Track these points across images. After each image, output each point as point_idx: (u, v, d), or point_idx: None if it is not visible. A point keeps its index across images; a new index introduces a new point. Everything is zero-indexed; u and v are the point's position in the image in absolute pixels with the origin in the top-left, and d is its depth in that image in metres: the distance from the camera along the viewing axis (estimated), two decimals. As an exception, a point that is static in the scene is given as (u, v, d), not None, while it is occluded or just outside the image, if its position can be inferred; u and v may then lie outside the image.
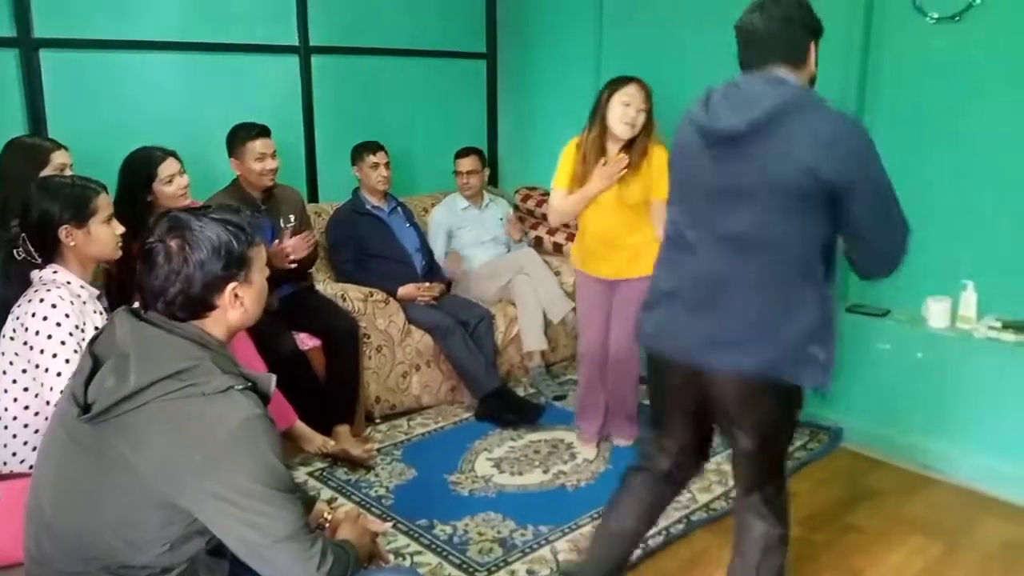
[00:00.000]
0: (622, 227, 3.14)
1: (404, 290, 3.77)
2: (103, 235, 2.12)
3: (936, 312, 3.24)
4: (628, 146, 3.07)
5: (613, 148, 3.09)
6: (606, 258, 3.21)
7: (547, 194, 4.69)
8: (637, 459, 2.23)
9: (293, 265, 3.32)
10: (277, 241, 3.30)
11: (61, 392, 1.50)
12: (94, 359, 1.42)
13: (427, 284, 3.86)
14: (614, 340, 3.26)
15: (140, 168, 2.89)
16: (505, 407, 3.68)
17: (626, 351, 3.23)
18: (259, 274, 1.53)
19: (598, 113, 3.08)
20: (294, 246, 3.31)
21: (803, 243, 1.84)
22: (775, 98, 1.80)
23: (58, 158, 2.64)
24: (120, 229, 2.16)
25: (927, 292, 3.29)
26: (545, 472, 3.22)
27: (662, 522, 2.83)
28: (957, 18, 3.15)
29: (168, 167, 2.89)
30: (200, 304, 1.45)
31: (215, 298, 1.46)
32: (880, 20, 3.37)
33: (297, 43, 4.05)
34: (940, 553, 2.69)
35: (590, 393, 3.40)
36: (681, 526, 2.82)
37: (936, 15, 3.20)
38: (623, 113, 3.01)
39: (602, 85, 4.44)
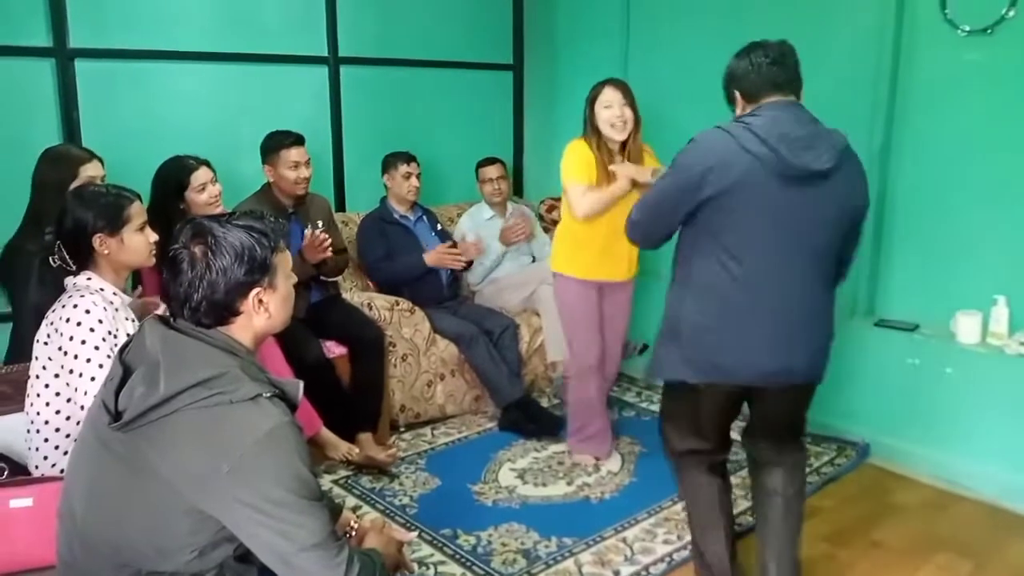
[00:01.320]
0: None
1: (431, 256, 3.84)
2: (137, 243, 2.14)
3: (966, 327, 3.20)
4: (623, 147, 3.12)
5: (614, 152, 3.13)
6: (610, 260, 3.17)
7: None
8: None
9: (328, 254, 3.33)
10: (309, 232, 3.31)
11: (94, 398, 1.52)
12: (124, 367, 1.44)
13: (453, 248, 3.94)
14: (611, 348, 3.25)
15: (172, 176, 2.93)
16: (528, 417, 3.68)
17: (619, 358, 3.28)
18: (284, 280, 1.54)
19: (589, 124, 3.12)
20: (314, 236, 3.30)
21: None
22: (838, 140, 2.08)
23: (88, 170, 2.68)
24: (154, 237, 2.19)
25: (957, 307, 3.25)
26: (569, 484, 3.21)
27: (688, 536, 2.82)
28: (989, 31, 3.12)
29: (201, 175, 2.93)
30: (225, 310, 1.47)
31: (239, 304, 1.47)
32: (910, 33, 3.35)
33: (326, 54, 4.09)
34: (967, 572, 2.65)
35: (594, 413, 3.32)
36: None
37: (968, 28, 3.17)
38: (608, 116, 3.05)
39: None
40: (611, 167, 3.09)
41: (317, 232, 3.29)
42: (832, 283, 2.20)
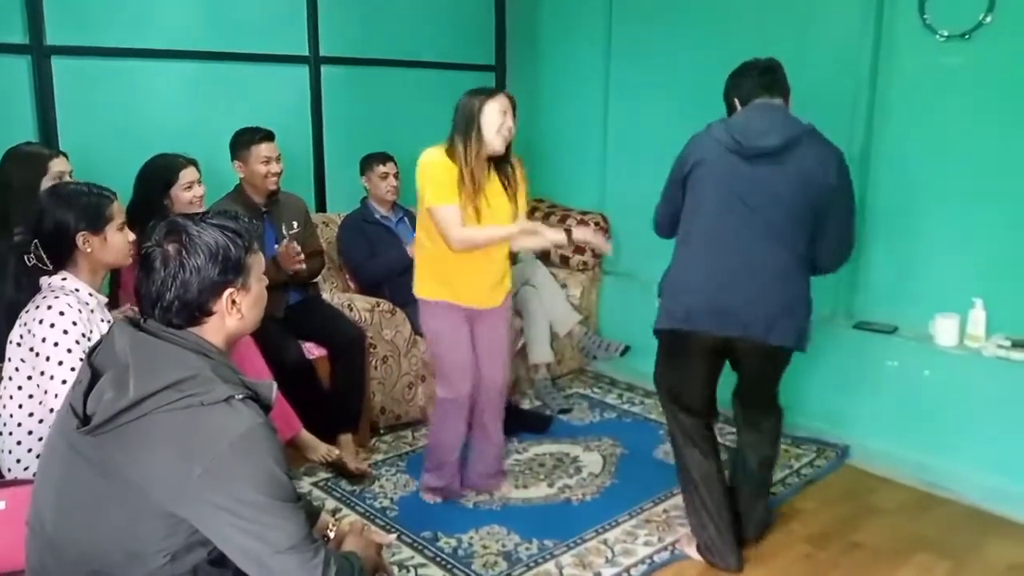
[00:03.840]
0: (503, 248, 2.91)
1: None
2: (118, 242, 2.12)
3: (944, 330, 3.23)
4: (498, 160, 2.81)
5: (486, 166, 2.79)
6: (483, 284, 2.88)
7: (555, 206, 4.71)
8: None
9: (302, 266, 3.32)
10: (285, 242, 3.29)
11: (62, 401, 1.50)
12: (93, 370, 1.42)
13: None
14: (491, 375, 2.99)
15: (160, 172, 2.94)
16: (509, 418, 3.68)
17: (502, 385, 3.05)
18: (257, 281, 1.53)
19: (473, 124, 2.72)
20: (290, 249, 3.27)
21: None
22: (795, 126, 2.47)
23: (56, 165, 2.64)
24: (132, 236, 2.17)
25: (935, 309, 3.27)
26: (550, 486, 3.20)
27: (669, 537, 2.82)
28: (967, 36, 3.15)
29: (188, 174, 2.94)
30: (197, 310, 1.44)
31: (212, 304, 1.45)
32: (890, 38, 3.37)
33: (307, 53, 4.06)
34: (946, 573, 2.66)
35: (453, 451, 3.04)
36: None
37: (946, 33, 3.20)
38: (501, 123, 2.73)
39: (605, 98, 4.50)
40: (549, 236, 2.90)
41: (290, 244, 3.26)
42: (800, 258, 2.49)
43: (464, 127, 2.73)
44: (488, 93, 2.77)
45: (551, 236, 2.89)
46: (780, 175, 2.43)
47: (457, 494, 3.09)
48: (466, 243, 2.74)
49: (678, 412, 2.70)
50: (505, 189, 2.84)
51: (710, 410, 2.73)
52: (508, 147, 2.80)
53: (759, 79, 2.58)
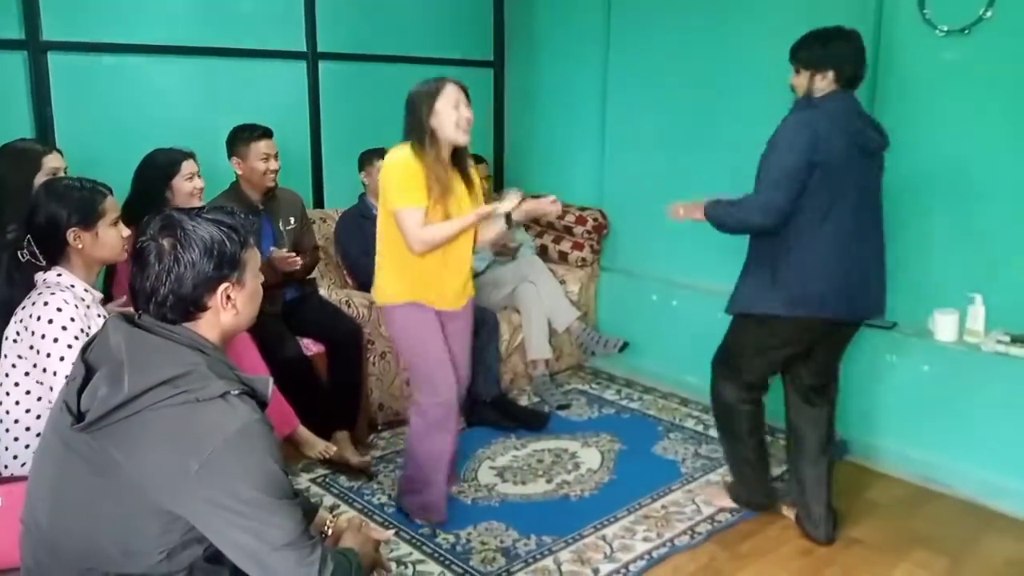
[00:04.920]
0: (468, 248, 2.78)
1: None
2: (110, 238, 2.11)
3: (943, 325, 3.22)
4: (455, 155, 2.68)
5: (447, 161, 2.66)
6: (452, 286, 2.76)
7: (554, 203, 4.69)
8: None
9: (298, 265, 3.31)
10: (275, 250, 3.29)
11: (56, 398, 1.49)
12: (87, 367, 1.41)
13: None
14: (464, 376, 2.89)
15: (161, 165, 2.95)
16: (506, 416, 3.70)
17: (462, 388, 2.89)
18: (252, 277, 1.52)
19: (425, 129, 2.56)
20: (281, 255, 3.27)
21: None
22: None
23: (50, 161, 2.64)
24: (126, 232, 2.16)
25: (934, 305, 3.27)
26: (549, 482, 3.20)
27: (667, 533, 2.83)
28: (967, 31, 3.14)
29: (189, 165, 2.97)
30: (191, 304, 1.43)
31: (206, 299, 1.44)
32: (889, 33, 3.36)
33: (305, 49, 4.05)
34: (944, 568, 2.67)
35: (442, 468, 2.84)
36: (686, 538, 2.81)
37: (946, 28, 3.19)
38: (457, 117, 2.56)
39: (603, 93, 4.48)
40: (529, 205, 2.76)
41: (287, 254, 3.26)
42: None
43: (418, 134, 2.58)
44: (434, 90, 2.56)
45: (503, 208, 2.72)
46: (876, 168, 2.72)
47: (441, 514, 2.89)
48: (428, 244, 2.61)
49: (743, 381, 2.83)
50: (468, 188, 2.73)
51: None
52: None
53: (857, 68, 2.64)
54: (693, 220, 2.84)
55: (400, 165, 2.60)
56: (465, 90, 2.61)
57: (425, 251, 2.63)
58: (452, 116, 2.55)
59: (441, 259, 2.69)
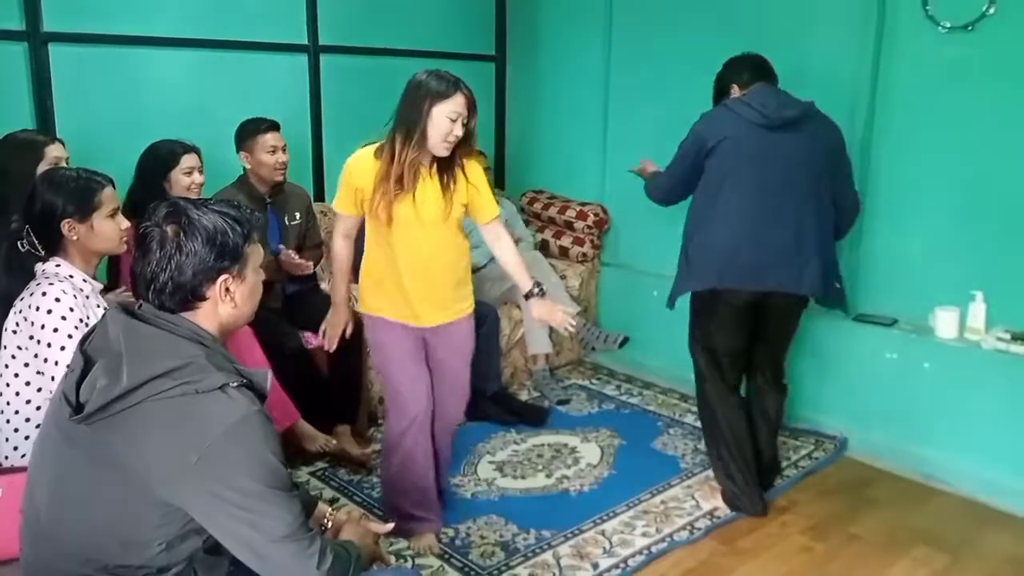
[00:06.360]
0: (445, 263, 2.55)
1: None
2: (106, 230, 2.10)
3: (944, 322, 3.22)
4: (441, 162, 2.46)
5: (423, 169, 2.44)
6: (429, 302, 2.53)
7: (554, 197, 4.70)
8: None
9: (309, 271, 3.31)
10: (285, 251, 3.29)
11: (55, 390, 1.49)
12: (86, 358, 1.40)
13: None
14: (452, 402, 2.70)
15: (161, 156, 2.95)
16: (506, 411, 3.69)
17: (459, 412, 2.77)
18: (253, 273, 1.51)
19: (417, 127, 2.35)
20: (291, 258, 3.28)
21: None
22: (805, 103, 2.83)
23: (52, 152, 2.64)
24: (125, 224, 2.15)
25: (935, 302, 3.26)
26: (548, 476, 3.20)
27: (666, 528, 2.83)
28: (970, 28, 3.13)
29: (189, 160, 2.96)
30: (189, 293, 1.43)
31: (205, 289, 1.44)
32: (892, 29, 3.35)
33: (306, 42, 4.04)
34: (943, 565, 2.66)
35: (428, 484, 2.68)
36: (686, 533, 2.81)
37: (948, 24, 3.18)
38: (448, 130, 2.35)
39: (605, 88, 4.47)
40: None
41: (298, 261, 3.28)
42: (826, 214, 2.83)
43: (406, 127, 2.36)
44: (443, 93, 2.34)
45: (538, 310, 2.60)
46: (804, 140, 2.76)
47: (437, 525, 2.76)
48: (331, 256, 2.62)
49: (715, 369, 2.93)
50: (444, 191, 2.46)
51: (741, 368, 3.02)
52: (457, 146, 2.43)
53: (758, 68, 2.90)
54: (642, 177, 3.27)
55: (350, 169, 2.49)
56: (472, 104, 2.39)
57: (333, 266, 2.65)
58: (445, 128, 2.34)
59: (409, 272, 2.49)
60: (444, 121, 2.34)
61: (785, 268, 2.76)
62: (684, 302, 2.96)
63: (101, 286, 2.17)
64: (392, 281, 2.51)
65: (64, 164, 2.61)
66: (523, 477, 3.20)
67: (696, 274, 2.85)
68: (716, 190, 2.78)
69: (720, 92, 2.99)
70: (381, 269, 2.53)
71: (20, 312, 2.00)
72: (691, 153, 2.85)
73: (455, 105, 2.34)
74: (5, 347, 2.03)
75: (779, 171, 2.74)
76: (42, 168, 2.52)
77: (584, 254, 4.49)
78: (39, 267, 2.06)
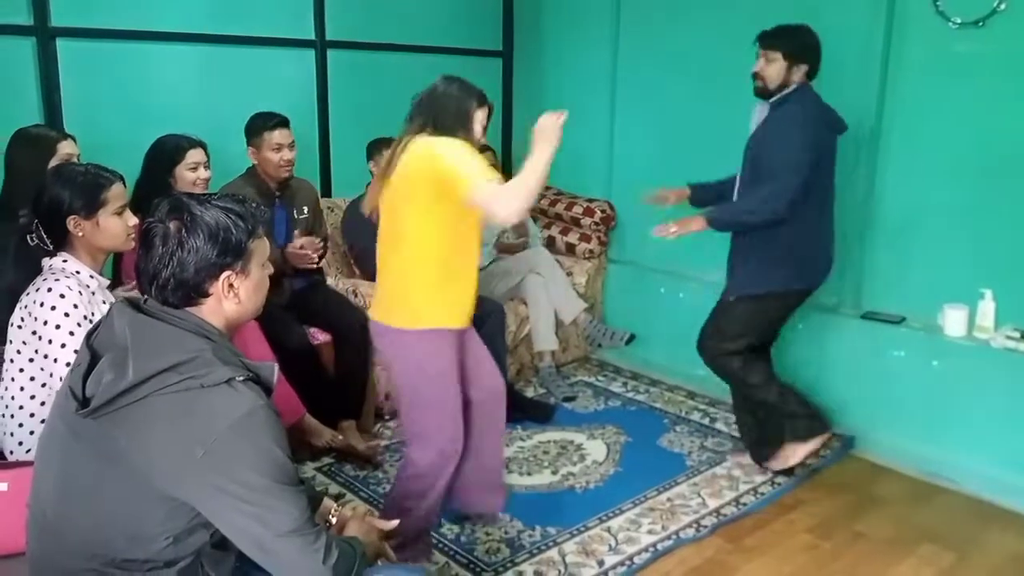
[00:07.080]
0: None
1: None
2: (113, 226, 2.09)
3: (953, 320, 3.20)
4: None
5: None
6: (472, 295, 2.43)
7: (561, 193, 4.69)
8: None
9: (314, 264, 3.32)
10: (303, 241, 3.30)
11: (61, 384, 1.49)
12: (92, 352, 1.40)
13: None
14: (489, 387, 2.58)
15: (168, 150, 2.94)
16: (512, 407, 3.67)
17: (500, 396, 2.62)
18: (258, 268, 1.50)
19: (468, 123, 2.41)
20: (305, 245, 3.28)
21: None
22: None
23: (64, 148, 2.64)
24: (133, 220, 2.15)
25: (944, 300, 3.25)
26: (554, 473, 3.20)
27: (672, 526, 2.82)
28: (981, 23, 3.11)
29: (195, 155, 2.95)
30: (192, 290, 1.42)
31: (208, 285, 1.43)
32: (902, 24, 3.33)
33: (314, 37, 4.04)
34: (949, 564, 2.65)
35: (434, 513, 2.57)
36: (691, 531, 2.80)
37: (959, 20, 3.16)
38: (482, 133, 2.47)
39: (612, 84, 4.46)
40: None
41: (302, 252, 3.25)
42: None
43: (463, 123, 2.39)
44: (482, 99, 2.45)
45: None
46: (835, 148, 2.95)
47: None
48: (527, 198, 2.18)
49: (751, 353, 3.05)
50: None
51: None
52: None
53: (820, 63, 2.91)
54: (692, 232, 2.95)
55: (458, 145, 2.30)
56: (490, 112, 2.54)
57: (522, 211, 2.18)
58: (479, 132, 2.45)
59: (475, 264, 2.41)
60: (479, 125, 2.47)
61: (831, 263, 3.06)
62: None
63: (108, 282, 2.17)
64: (465, 278, 2.38)
65: (76, 160, 2.61)
66: (529, 474, 3.19)
67: (796, 273, 2.95)
68: (813, 192, 2.86)
69: (791, 55, 2.83)
70: (455, 268, 2.35)
71: (25, 307, 2.00)
72: (811, 158, 2.80)
73: (486, 113, 2.50)
74: (11, 341, 2.03)
75: (833, 176, 2.95)
76: (53, 164, 2.52)
77: (591, 251, 4.48)
78: (46, 262, 2.06)
